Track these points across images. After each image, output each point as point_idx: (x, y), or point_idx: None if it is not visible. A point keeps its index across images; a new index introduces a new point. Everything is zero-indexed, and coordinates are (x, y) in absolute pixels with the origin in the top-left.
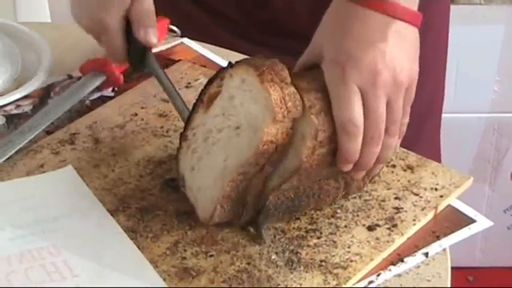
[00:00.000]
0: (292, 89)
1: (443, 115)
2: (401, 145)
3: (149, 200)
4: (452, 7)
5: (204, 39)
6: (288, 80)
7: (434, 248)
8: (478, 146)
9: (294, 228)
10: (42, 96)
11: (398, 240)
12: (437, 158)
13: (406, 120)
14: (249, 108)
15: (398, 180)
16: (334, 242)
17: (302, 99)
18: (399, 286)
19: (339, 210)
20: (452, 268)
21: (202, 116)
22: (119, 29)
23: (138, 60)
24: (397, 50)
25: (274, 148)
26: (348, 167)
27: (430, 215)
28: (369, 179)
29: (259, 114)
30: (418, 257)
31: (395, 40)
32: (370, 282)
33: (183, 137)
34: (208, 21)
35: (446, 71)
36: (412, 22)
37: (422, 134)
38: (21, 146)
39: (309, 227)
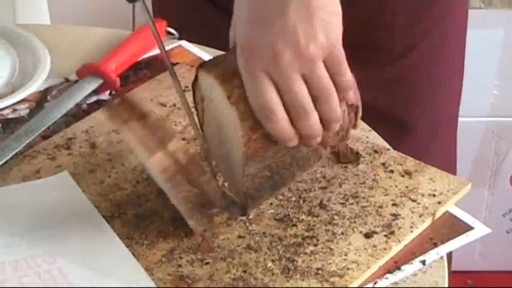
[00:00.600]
0: None
1: None
2: (416, 152)
3: (145, 207)
4: None
5: (211, 38)
6: None
7: (431, 256)
8: (477, 150)
9: (290, 235)
10: (39, 100)
11: (396, 248)
12: (453, 167)
13: (348, 77)
14: None
15: (396, 186)
16: (331, 249)
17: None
18: None
19: (336, 217)
20: (451, 272)
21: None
22: None
23: None
24: (300, 23)
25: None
26: (293, 143)
27: (428, 222)
28: (346, 127)
29: None
30: (415, 265)
31: (298, 12)
32: None
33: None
34: (217, 18)
35: None
36: None
37: (436, 145)
38: (17, 151)
39: (306, 234)
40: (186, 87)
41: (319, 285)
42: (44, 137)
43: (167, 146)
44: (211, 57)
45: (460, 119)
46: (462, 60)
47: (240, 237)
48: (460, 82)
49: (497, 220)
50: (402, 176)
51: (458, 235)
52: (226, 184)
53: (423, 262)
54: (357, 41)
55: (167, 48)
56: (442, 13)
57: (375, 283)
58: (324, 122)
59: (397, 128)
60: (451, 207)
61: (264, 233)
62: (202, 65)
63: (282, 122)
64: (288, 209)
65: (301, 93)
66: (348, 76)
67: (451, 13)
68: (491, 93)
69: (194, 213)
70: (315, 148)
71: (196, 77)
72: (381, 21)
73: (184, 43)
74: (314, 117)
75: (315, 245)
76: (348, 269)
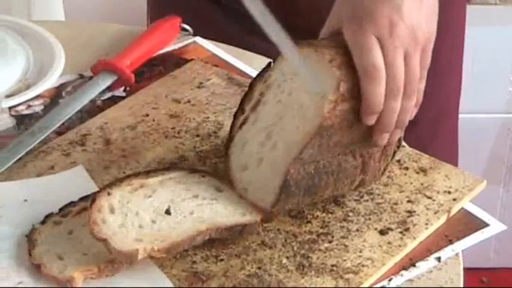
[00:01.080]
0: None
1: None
2: (419, 144)
3: None
4: (468, 7)
5: (217, 38)
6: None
7: (446, 253)
8: (493, 147)
9: (305, 231)
10: (54, 96)
11: (411, 245)
12: (455, 158)
13: (422, 86)
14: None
15: (411, 183)
16: (346, 246)
17: (323, 53)
18: None
19: (350, 214)
20: (466, 269)
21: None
22: None
23: None
24: (414, 8)
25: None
26: (372, 119)
27: (443, 219)
28: (384, 165)
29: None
30: (430, 262)
31: (412, 0)
32: (382, 287)
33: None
34: (222, 19)
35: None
36: None
37: (440, 133)
38: (31, 147)
39: (321, 230)
40: (200, 83)
41: (334, 282)
42: (59, 133)
43: None
44: (226, 54)
45: (475, 115)
46: (461, 52)
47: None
48: (460, 75)
49: None
50: (417, 172)
51: (474, 232)
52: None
53: (438, 259)
54: None
55: (182, 44)
56: (442, 3)
57: (390, 280)
58: (396, 121)
59: None
60: (466, 204)
61: (278, 229)
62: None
63: (382, 83)
64: (303, 206)
65: (402, 70)
66: (422, 85)
67: (450, 4)
68: (506, 90)
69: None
70: (356, 165)
71: (271, 61)
72: None
73: (199, 39)
74: (399, 103)
75: (330, 242)
76: (362, 265)
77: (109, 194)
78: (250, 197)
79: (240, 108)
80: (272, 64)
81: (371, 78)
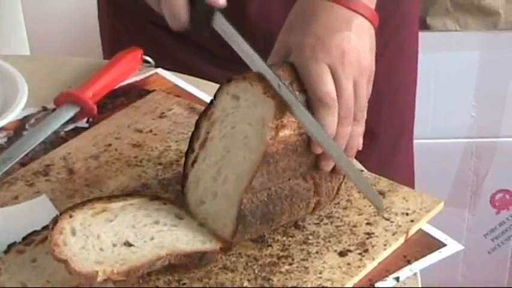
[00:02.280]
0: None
1: (421, 141)
2: (376, 166)
3: None
4: (428, 34)
5: (178, 68)
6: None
7: (405, 273)
8: (457, 171)
9: (266, 255)
10: (17, 129)
11: (370, 265)
12: (411, 180)
13: (364, 114)
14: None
15: (370, 206)
16: (306, 268)
17: (257, 86)
18: None
19: (310, 237)
20: None
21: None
22: None
23: (202, 24)
24: (360, 40)
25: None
26: (320, 148)
27: (401, 240)
28: (337, 184)
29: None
30: (389, 282)
31: (357, 32)
32: None
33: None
34: (182, 50)
35: (424, 97)
36: (371, 19)
37: (398, 154)
38: None
39: (281, 253)
40: (162, 113)
41: None
42: (23, 164)
43: None
44: (187, 84)
45: (439, 140)
46: (415, 75)
47: None
48: (414, 97)
49: (478, 241)
50: None
51: (431, 252)
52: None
53: (397, 279)
54: None
55: (143, 75)
56: (398, 25)
57: None
58: (346, 147)
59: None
60: (424, 225)
61: (239, 253)
62: (229, 79)
63: (335, 115)
64: (263, 233)
65: (353, 97)
66: (364, 114)
67: (406, 26)
68: (469, 114)
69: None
70: (308, 188)
71: (213, 99)
72: None
73: (160, 71)
74: (350, 129)
75: (290, 264)
76: (323, 287)
77: (71, 216)
78: (210, 228)
79: (190, 147)
80: (214, 101)
81: (325, 108)
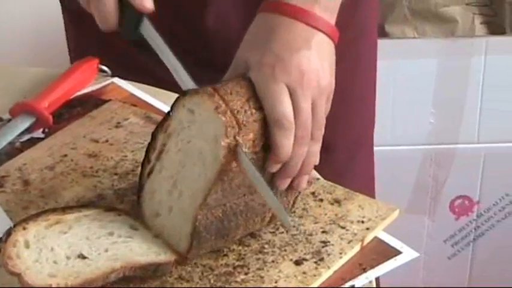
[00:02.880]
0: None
1: (380, 148)
2: (333, 176)
3: None
4: (386, 41)
5: (142, 77)
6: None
7: (361, 281)
8: (416, 178)
9: (221, 264)
10: None
11: (325, 274)
12: (371, 188)
13: (322, 131)
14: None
15: (326, 214)
16: (262, 277)
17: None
18: None
19: (266, 246)
20: None
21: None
22: None
23: (131, 29)
24: (319, 59)
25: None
26: (277, 167)
27: (357, 248)
28: (293, 198)
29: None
30: None
31: (317, 50)
32: None
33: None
34: (141, 58)
35: (382, 105)
36: (331, 35)
37: (356, 164)
38: None
39: (237, 263)
40: (118, 123)
41: None
42: None
43: None
44: (144, 94)
45: (397, 147)
46: (374, 84)
47: None
48: (373, 106)
49: (438, 247)
50: (332, 204)
51: (387, 260)
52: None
53: (352, 287)
54: None
55: (100, 85)
56: (355, 35)
57: None
58: (303, 165)
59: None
60: (379, 233)
61: (195, 263)
62: (185, 91)
63: (291, 136)
64: (218, 247)
65: (310, 117)
66: (322, 131)
67: (363, 36)
68: (427, 121)
69: None
70: (264, 203)
71: (170, 110)
72: None
73: (117, 80)
74: (306, 149)
75: (246, 274)
76: None
77: (25, 228)
78: (165, 241)
79: (146, 158)
80: (171, 113)
81: (282, 129)
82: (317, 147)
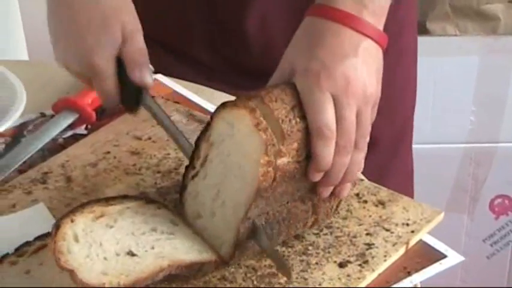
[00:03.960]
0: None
1: (420, 146)
2: (375, 173)
3: None
4: (427, 38)
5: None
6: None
7: (405, 284)
8: (456, 176)
9: (265, 266)
10: (15, 135)
11: (370, 277)
12: (411, 186)
13: (367, 140)
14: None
15: (370, 216)
16: (305, 279)
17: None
18: None
19: (310, 247)
20: None
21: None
22: (111, 72)
23: (133, 102)
24: (366, 66)
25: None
26: (318, 176)
27: (401, 251)
28: (336, 203)
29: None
30: None
31: (364, 57)
32: None
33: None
34: (179, 66)
35: (423, 102)
36: (379, 41)
37: (396, 161)
38: None
39: (279, 263)
40: None
41: None
42: (20, 171)
43: None
44: (186, 91)
45: (437, 145)
46: (414, 80)
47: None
48: (413, 103)
49: (477, 246)
50: (376, 205)
51: (432, 263)
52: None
53: None
54: None
55: None
56: (396, 32)
57: None
58: (345, 173)
59: None
60: (424, 235)
61: (238, 264)
62: (225, 103)
63: (332, 145)
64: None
65: (354, 126)
66: (367, 140)
67: (404, 33)
68: (468, 120)
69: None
70: (307, 209)
71: (210, 120)
72: None
73: (160, 77)
74: (349, 159)
75: None
76: None
77: (72, 221)
78: (207, 241)
79: (191, 164)
80: (210, 123)
81: (322, 138)
82: (361, 156)
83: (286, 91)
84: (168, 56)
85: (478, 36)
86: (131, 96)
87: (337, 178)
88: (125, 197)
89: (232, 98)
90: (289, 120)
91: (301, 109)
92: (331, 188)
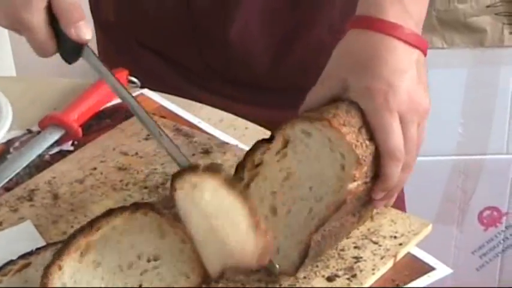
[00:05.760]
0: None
1: None
2: None
3: None
4: None
5: (164, 90)
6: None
7: None
8: (445, 188)
9: (253, 280)
10: (1, 152)
11: None
12: (402, 199)
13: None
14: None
15: (358, 229)
16: None
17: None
18: None
19: None
20: None
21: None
22: (41, 25)
23: (72, 55)
24: (420, 79)
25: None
26: (383, 194)
27: (390, 264)
28: (372, 212)
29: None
30: None
31: (418, 69)
32: None
33: None
34: (168, 72)
35: None
36: (424, 51)
37: None
38: None
39: (269, 279)
40: (148, 135)
41: None
42: (7, 188)
43: None
44: (173, 105)
45: (426, 157)
46: None
47: None
48: None
49: (466, 258)
50: None
51: (420, 276)
52: None
53: None
54: None
55: None
56: None
57: None
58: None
59: None
60: (412, 248)
61: (227, 278)
62: (311, 115)
63: (400, 166)
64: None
65: (416, 144)
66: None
67: None
68: (456, 132)
69: None
70: (354, 221)
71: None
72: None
73: (146, 91)
74: (410, 173)
75: None
76: None
77: (60, 268)
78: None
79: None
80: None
81: (395, 161)
82: (410, 171)
83: (351, 113)
84: (160, 63)
85: (465, 49)
86: (69, 49)
87: (397, 192)
88: (110, 213)
89: (223, 111)
90: (361, 145)
91: (368, 131)
92: (385, 201)
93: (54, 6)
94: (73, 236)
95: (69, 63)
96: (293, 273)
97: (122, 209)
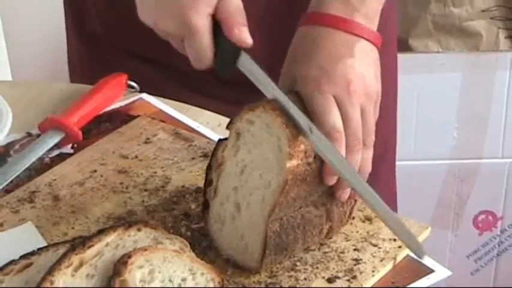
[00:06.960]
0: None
1: (404, 163)
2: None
3: None
4: (410, 55)
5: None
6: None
7: None
8: (440, 193)
9: (254, 282)
10: (2, 155)
11: None
12: (394, 203)
13: (373, 138)
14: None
15: (357, 232)
16: None
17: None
18: None
19: (298, 263)
20: None
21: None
22: (207, 31)
23: (227, 64)
24: (364, 65)
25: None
26: (333, 179)
27: (389, 266)
28: (349, 208)
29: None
30: None
31: (360, 56)
32: None
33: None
34: (162, 79)
35: (406, 119)
36: (373, 41)
37: (378, 178)
38: None
39: (269, 280)
40: (147, 139)
41: None
42: (7, 190)
43: None
44: (172, 109)
45: (421, 162)
46: (395, 98)
47: None
48: (395, 120)
49: (461, 262)
50: (363, 221)
51: (419, 278)
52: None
53: None
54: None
55: (128, 101)
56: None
57: None
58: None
59: None
60: None
61: (228, 280)
62: (253, 105)
63: (342, 146)
64: (277, 263)
65: (360, 125)
66: (373, 137)
67: (383, 51)
68: (451, 136)
69: None
70: (320, 214)
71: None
72: None
73: (145, 96)
74: (360, 156)
75: None
76: None
77: (52, 283)
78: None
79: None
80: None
81: (333, 141)
82: (370, 154)
83: (288, 97)
84: (154, 70)
85: (461, 53)
86: (225, 58)
87: (361, 179)
88: (102, 231)
89: (219, 114)
90: (293, 125)
91: (307, 115)
92: (348, 190)
93: (220, 9)
94: (64, 255)
95: (224, 74)
96: (258, 267)
97: (114, 228)
